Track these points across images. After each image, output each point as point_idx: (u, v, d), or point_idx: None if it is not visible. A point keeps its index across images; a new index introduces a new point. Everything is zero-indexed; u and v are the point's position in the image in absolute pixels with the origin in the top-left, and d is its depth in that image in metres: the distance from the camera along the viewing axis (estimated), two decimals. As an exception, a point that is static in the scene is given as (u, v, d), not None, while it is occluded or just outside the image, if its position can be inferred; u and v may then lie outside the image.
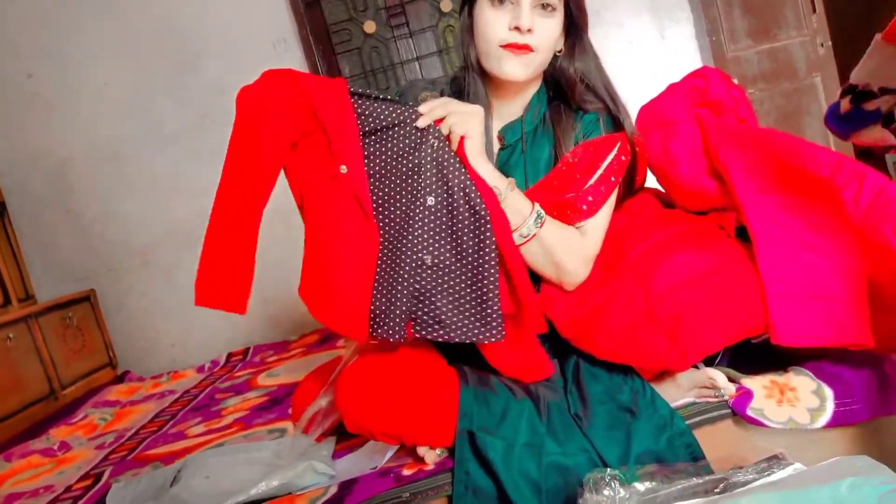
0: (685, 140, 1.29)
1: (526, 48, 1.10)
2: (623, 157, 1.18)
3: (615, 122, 1.19)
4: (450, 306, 1.06)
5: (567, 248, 1.13)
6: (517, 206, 1.09)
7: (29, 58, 2.71)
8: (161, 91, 2.68)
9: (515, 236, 1.09)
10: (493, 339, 1.05)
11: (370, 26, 2.69)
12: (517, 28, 1.08)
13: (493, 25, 1.10)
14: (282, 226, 2.53)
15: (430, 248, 1.06)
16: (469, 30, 1.17)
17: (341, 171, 1.08)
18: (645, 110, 1.40)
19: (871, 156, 3.66)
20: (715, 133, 1.24)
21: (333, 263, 1.10)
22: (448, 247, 1.06)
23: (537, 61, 1.14)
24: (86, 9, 2.66)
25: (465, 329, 1.06)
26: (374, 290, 1.09)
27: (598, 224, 1.16)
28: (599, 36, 2.52)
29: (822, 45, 2.74)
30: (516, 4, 1.09)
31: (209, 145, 2.69)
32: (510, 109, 1.24)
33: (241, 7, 2.63)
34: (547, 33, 1.12)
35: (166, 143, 2.70)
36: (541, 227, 1.10)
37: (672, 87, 1.38)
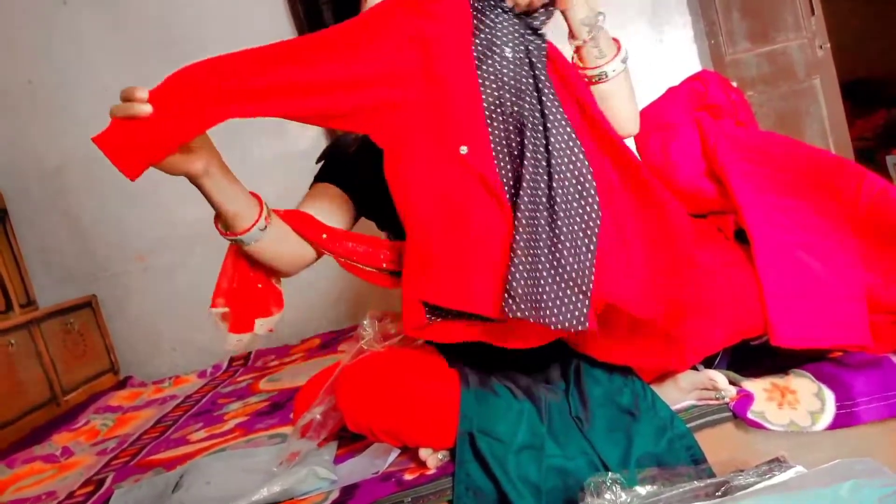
0: (684, 143, 1.29)
1: None
2: None
3: None
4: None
5: (632, 96, 1.12)
6: (608, 39, 1.05)
7: (28, 64, 2.72)
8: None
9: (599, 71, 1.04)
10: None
11: (370, 30, 2.70)
12: None
13: None
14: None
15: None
16: None
17: (461, 151, 0.97)
18: (644, 114, 1.40)
19: (871, 157, 3.66)
20: (713, 136, 1.25)
21: (461, 253, 0.99)
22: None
23: None
24: (84, 13, 2.67)
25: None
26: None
27: None
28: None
29: (822, 47, 2.74)
30: None
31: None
32: None
33: (239, 10, 2.64)
34: None
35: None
36: (622, 69, 1.06)
37: (671, 91, 1.38)
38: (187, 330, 2.74)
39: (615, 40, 1.08)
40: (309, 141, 2.61)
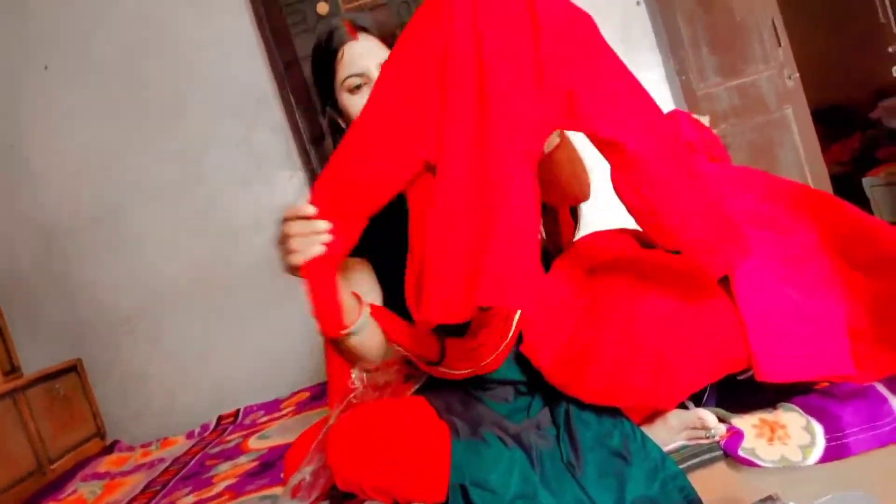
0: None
1: None
2: None
3: None
4: None
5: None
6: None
7: (10, 129, 2.73)
8: (144, 153, 2.70)
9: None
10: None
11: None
12: None
13: (356, 108, 1.09)
14: (267, 281, 2.54)
15: None
16: (336, 125, 1.17)
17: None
18: (618, 154, 1.43)
19: (848, 181, 3.72)
20: (687, 173, 1.27)
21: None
22: None
23: None
24: (65, 78, 2.69)
25: None
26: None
27: None
28: (572, 81, 2.58)
29: (790, 77, 2.80)
30: (368, 83, 1.10)
31: (194, 205, 2.70)
32: None
33: (220, 66, 2.67)
34: None
35: (151, 204, 2.71)
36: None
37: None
38: (174, 390, 2.70)
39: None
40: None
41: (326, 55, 1.13)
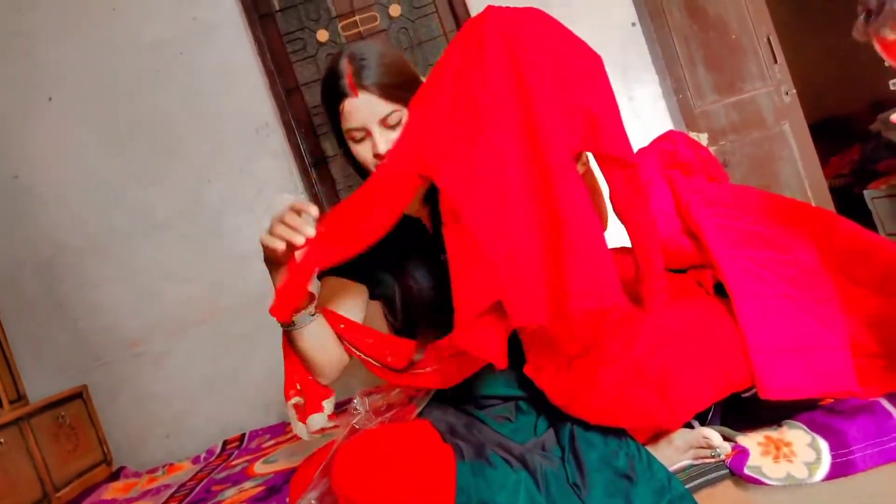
0: (658, 201, 1.32)
1: None
2: None
3: None
4: None
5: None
6: None
7: (15, 159, 2.76)
8: (148, 181, 2.72)
9: None
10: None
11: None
12: (377, 155, 1.15)
13: (362, 156, 1.18)
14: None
15: None
16: (355, 163, 1.25)
17: None
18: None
19: (849, 194, 3.72)
20: (686, 193, 1.28)
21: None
22: None
23: None
24: (69, 108, 2.73)
25: None
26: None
27: None
28: (571, 101, 2.60)
29: (787, 93, 2.83)
30: (370, 135, 1.16)
31: (197, 231, 2.72)
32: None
33: (223, 95, 2.70)
34: None
35: (154, 230, 2.73)
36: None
37: (641, 152, 1.42)
38: (180, 415, 2.70)
39: None
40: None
41: (330, 99, 1.18)
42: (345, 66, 1.15)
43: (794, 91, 2.83)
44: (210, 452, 2.48)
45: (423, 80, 1.18)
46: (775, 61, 2.82)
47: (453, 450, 1.15)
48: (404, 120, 1.15)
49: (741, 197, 1.29)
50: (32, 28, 2.72)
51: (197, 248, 2.73)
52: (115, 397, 2.74)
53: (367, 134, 1.16)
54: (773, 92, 2.81)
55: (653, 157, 1.40)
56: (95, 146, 2.73)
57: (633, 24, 2.56)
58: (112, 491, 2.33)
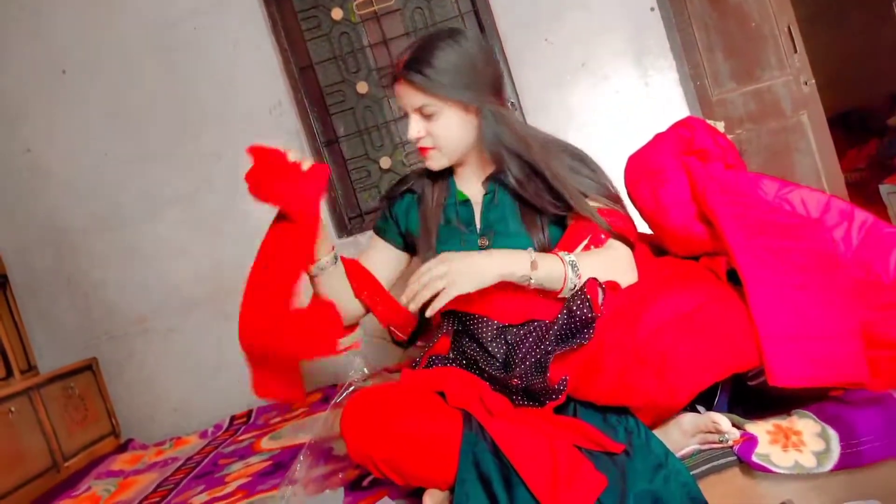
0: (674, 187, 1.31)
1: (425, 150, 1.32)
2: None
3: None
4: None
5: (612, 269, 1.21)
6: (549, 267, 1.17)
7: (27, 133, 2.76)
8: (160, 158, 2.72)
9: (566, 292, 1.18)
10: None
11: (363, 87, 2.75)
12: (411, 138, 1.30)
13: (407, 134, 1.31)
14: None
15: None
16: None
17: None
18: (633, 160, 1.43)
19: (865, 187, 3.68)
20: (702, 180, 1.26)
21: None
22: None
23: (447, 152, 1.31)
24: (83, 82, 2.73)
25: None
26: None
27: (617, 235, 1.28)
28: (587, 87, 2.58)
29: (806, 83, 2.79)
30: (408, 117, 1.29)
31: (208, 210, 2.72)
32: (469, 171, 1.39)
33: (235, 73, 2.69)
34: (441, 131, 1.28)
35: (165, 208, 2.73)
36: (579, 274, 1.17)
37: (658, 137, 1.41)
38: (188, 390, 2.72)
39: (553, 253, 1.21)
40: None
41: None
42: (406, 50, 1.27)
43: (814, 81, 2.80)
44: (217, 427, 2.50)
45: (502, 73, 1.32)
46: (795, 51, 2.78)
47: (462, 416, 1.16)
48: (443, 113, 1.25)
49: (758, 184, 1.28)
50: (47, 4, 2.71)
51: (207, 227, 2.73)
52: (124, 371, 2.77)
53: (406, 114, 1.29)
54: (791, 81, 2.77)
55: (669, 143, 1.39)
56: (107, 122, 2.73)
57: (652, 9, 2.52)
58: (120, 462, 2.35)
